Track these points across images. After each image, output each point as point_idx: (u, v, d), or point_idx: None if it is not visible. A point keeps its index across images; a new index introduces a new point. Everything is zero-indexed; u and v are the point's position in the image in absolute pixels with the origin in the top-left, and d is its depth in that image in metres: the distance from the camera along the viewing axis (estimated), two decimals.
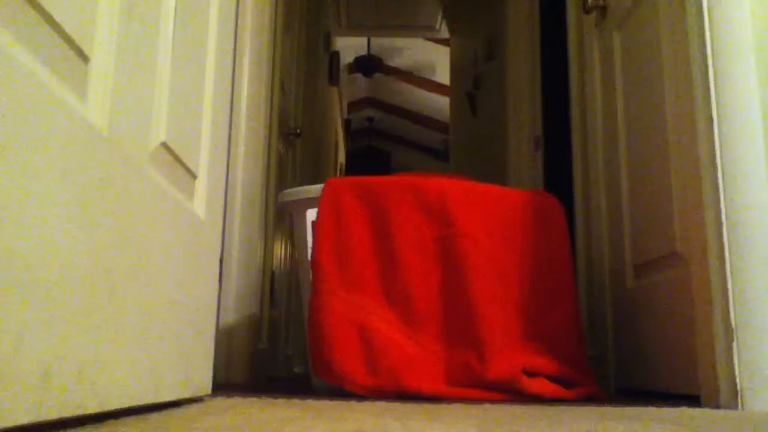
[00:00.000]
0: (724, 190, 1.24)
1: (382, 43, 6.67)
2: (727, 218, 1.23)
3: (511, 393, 1.44)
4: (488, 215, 1.65)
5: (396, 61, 7.08)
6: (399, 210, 1.61)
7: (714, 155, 1.26)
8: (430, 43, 6.53)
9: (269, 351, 2.44)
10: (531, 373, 1.49)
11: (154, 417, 0.75)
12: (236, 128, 2.07)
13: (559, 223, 1.75)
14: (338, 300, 1.54)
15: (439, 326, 1.55)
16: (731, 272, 1.21)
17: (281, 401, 1.12)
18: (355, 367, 1.47)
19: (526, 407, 1.16)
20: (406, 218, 1.61)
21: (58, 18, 0.56)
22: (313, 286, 1.57)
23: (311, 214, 1.71)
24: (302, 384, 2.04)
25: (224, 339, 1.95)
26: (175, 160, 0.90)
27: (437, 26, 5.72)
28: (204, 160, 1.05)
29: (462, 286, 1.56)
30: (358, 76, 7.17)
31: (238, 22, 2.03)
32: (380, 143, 8.99)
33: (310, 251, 1.67)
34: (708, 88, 1.28)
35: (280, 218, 2.76)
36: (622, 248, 1.90)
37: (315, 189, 1.70)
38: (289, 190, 1.79)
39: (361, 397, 1.41)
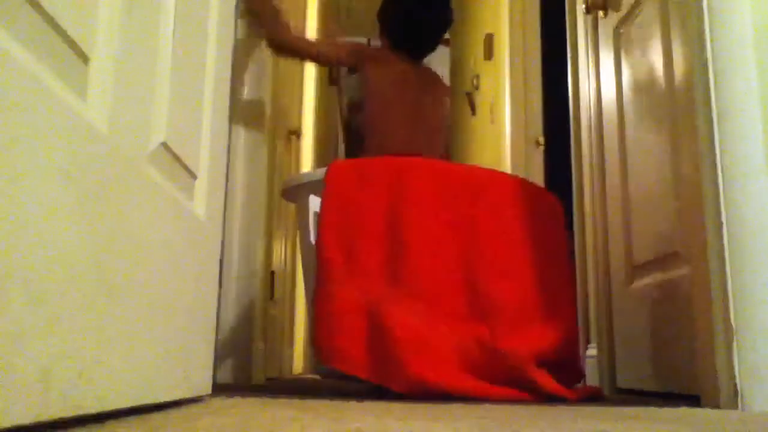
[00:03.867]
0: (724, 190, 1.24)
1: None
2: (727, 218, 1.23)
3: (515, 381, 1.43)
4: (496, 198, 1.64)
5: None
6: (406, 191, 1.58)
7: (714, 155, 1.25)
8: None
9: (269, 351, 2.44)
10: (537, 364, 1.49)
11: (154, 417, 0.75)
12: (236, 128, 2.07)
13: (559, 222, 1.75)
14: (344, 285, 1.50)
15: (449, 306, 1.52)
16: (731, 272, 1.21)
17: (281, 401, 1.12)
18: (360, 353, 1.44)
19: (526, 407, 1.16)
20: (414, 199, 1.57)
21: (58, 18, 0.56)
22: (317, 271, 1.54)
23: (315, 199, 1.68)
24: (302, 384, 2.04)
25: (224, 339, 1.95)
26: (175, 160, 0.90)
27: None
28: (204, 160, 1.05)
29: (471, 266, 1.55)
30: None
31: (238, 21, 2.03)
32: None
33: (313, 237, 1.64)
34: (708, 88, 1.28)
35: (281, 217, 2.76)
36: (622, 248, 1.90)
37: (320, 172, 1.67)
38: (293, 175, 1.75)
39: (361, 396, 1.41)
